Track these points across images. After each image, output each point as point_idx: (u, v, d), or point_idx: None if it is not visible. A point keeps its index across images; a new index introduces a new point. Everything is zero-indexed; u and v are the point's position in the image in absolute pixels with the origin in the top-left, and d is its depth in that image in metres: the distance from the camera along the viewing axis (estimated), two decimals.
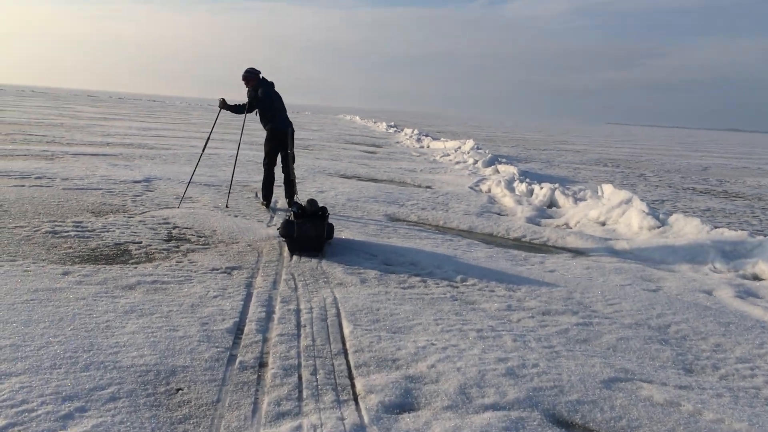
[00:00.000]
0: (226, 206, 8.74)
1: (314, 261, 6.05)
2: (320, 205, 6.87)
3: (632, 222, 8.19)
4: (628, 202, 8.79)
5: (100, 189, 9.44)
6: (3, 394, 2.93)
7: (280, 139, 8.78)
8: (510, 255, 6.99)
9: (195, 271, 5.41)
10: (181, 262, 5.71)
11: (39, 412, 2.81)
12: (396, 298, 5.02)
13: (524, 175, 15.18)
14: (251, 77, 8.71)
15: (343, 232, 7.45)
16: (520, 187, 11.82)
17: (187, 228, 7.19)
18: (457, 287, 5.49)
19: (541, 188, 11.28)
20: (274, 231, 7.20)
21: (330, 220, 6.81)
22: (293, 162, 8.73)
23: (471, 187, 12.99)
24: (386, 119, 67.93)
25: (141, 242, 6.36)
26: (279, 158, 8.93)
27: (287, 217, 6.91)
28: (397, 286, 5.40)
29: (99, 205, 8.15)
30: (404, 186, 12.87)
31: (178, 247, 6.28)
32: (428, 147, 27.23)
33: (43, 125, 23.88)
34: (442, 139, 30.08)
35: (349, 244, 6.87)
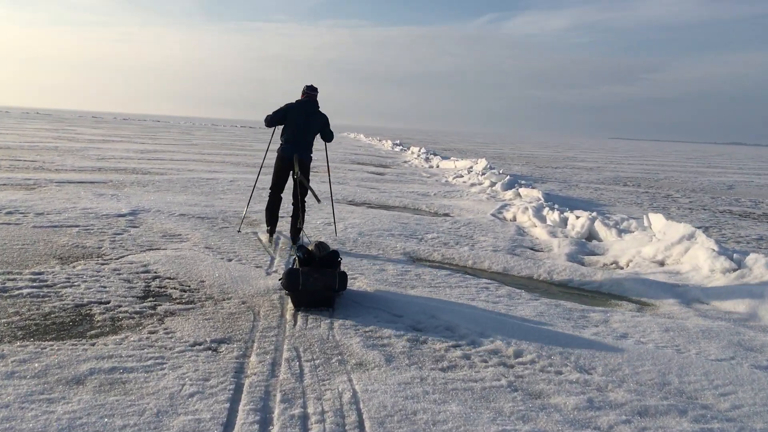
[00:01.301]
0: (238, 231, 8.46)
1: (324, 326, 4.79)
2: (331, 248, 5.64)
3: (700, 263, 6.85)
4: (690, 237, 7.45)
5: (77, 226, 8.21)
6: None
7: (284, 163, 7.75)
8: (564, 310, 5.70)
9: (170, 348, 4.15)
10: (154, 332, 4.45)
11: None
12: (436, 389, 3.74)
13: (548, 199, 13.92)
14: (303, 92, 7.87)
15: (357, 279, 6.19)
16: (552, 216, 10.52)
17: (169, 278, 5.94)
18: (512, 366, 4.20)
19: (578, 218, 9.97)
20: (274, 281, 5.93)
21: (343, 266, 5.59)
22: (302, 196, 7.55)
23: (494, 215, 11.70)
24: (391, 137, 66.92)
25: (109, 302, 5.10)
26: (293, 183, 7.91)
27: (291, 264, 5.69)
28: (434, 366, 4.12)
29: (70, 248, 6.92)
30: (420, 214, 11.61)
31: (154, 308, 5.03)
32: (438, 167, 26.00)
33: (36, 149, 22.77)
34: (451, 158, 28.86)
35: (366, 298, 5.60)
